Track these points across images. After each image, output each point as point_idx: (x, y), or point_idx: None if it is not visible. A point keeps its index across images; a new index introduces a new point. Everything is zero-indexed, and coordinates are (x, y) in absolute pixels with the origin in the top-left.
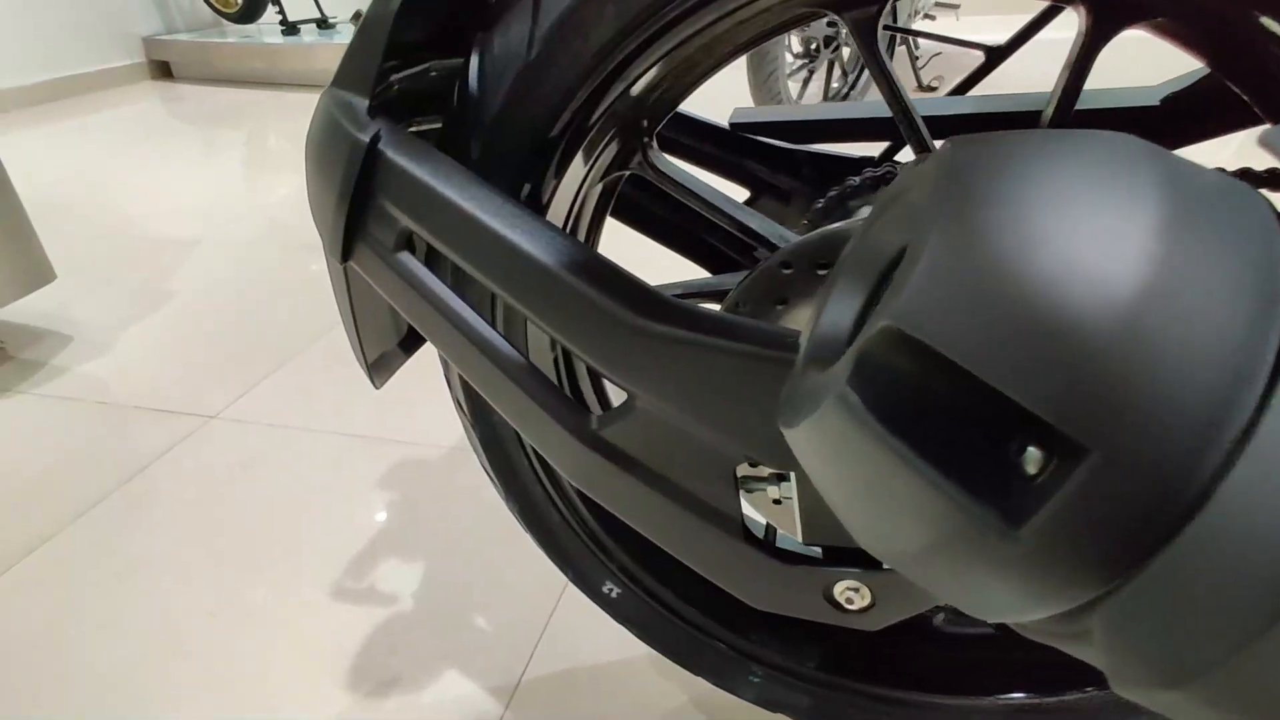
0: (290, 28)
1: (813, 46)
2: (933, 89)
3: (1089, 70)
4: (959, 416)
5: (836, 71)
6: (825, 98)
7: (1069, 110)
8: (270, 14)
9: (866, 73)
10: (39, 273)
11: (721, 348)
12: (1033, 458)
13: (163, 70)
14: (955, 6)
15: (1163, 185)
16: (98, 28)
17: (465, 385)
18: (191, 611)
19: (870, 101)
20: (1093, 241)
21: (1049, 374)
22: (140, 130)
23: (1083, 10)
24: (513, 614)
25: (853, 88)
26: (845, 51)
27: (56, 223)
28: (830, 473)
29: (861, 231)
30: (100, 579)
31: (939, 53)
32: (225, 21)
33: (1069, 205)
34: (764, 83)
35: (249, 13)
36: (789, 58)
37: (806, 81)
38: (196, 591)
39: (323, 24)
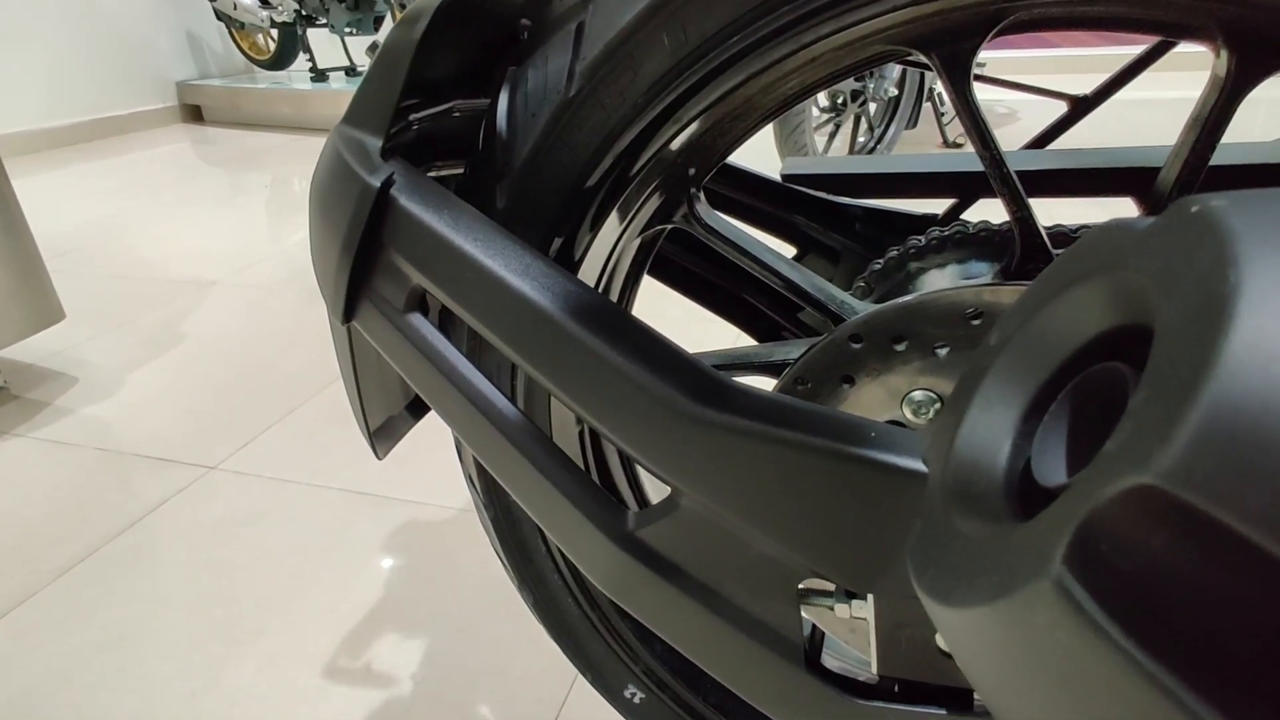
0: (320, 75)
1: (840, 101)
2: (958, 145)
3: (1228, 123)
4: (1256, 632)
5: (862, 126)
6: (851, 152)
7: (1200, 169)
8: (301, 61)
9: (894, 129)
10: (48, 312)
11: (798, 444)
12: None
13: (194, 114)
14: (981, 65)
15: None
16: (133, 72)
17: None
18: (172, 691)
19: (936, 154)
20: None
21: None
22: (167, 172)
23: (1224, 52)
24: (520, 705)
25: (879, 142)
26: (872, 107)
27: (75, 262)
28: (1010, 679)
29: (1020, 316)
30: (76, 649)
31: None
32: (257, 68)
33: None
34: (790, 135)
35: (280, 60)
36: (815, 111)
37: (833, 135)
38: (179, 667)
39: (351, 72)
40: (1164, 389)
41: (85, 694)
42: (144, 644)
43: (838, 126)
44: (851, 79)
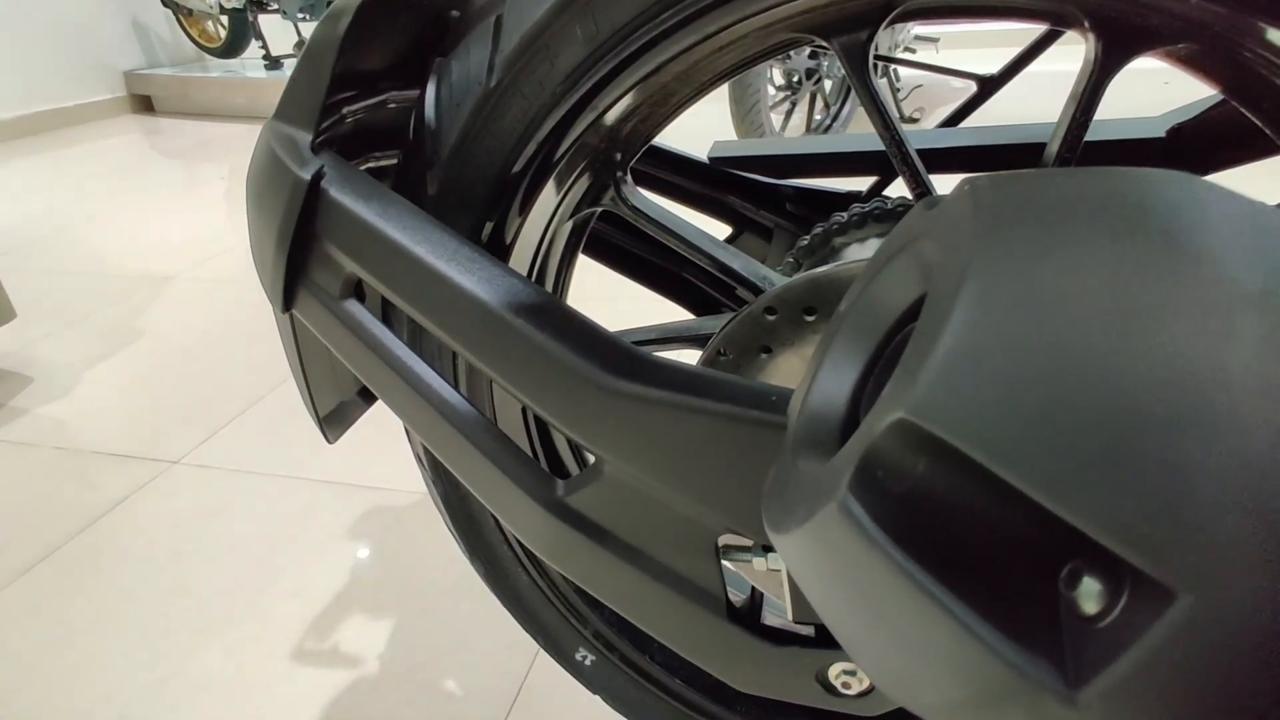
0: (274, 62)
1: (795, 79)
2: (914, 120)
3: (1098, 102)
4: (993, 536)
5: (819, 104)
6: (808, 130)
7: (1077, 144)
8: (254, 49)
9: (849, 106)
10: None
11: (699, 409)
12: (1090, 593)
13: (144, 104)
14: (935, 40)
15: (1269, 240)
16: (78, 61)
17: None
18: (139, 680)
19: (857, 134)
20: (1185, 314)
21: (1121, 489)
22: (118, 164)
23: (1091, 38)
24: (484, 679)
25: (835, 119)
26: (827, 84)
27: (23, 259)
28: (826, 593)
29: (860, 285)
30: (41, 644)
31: (920, 85)
32: (208, 56)
33: (1154, 266)
34: (746, 115)
35: (232, 47)
36: (771, 90)
37: (789, 114)
38: (146, 657)
39: None
40: (922, 342)
41: (52, 686)
42: (110, 637)
43: (794, 105)
44: (807, 57)
